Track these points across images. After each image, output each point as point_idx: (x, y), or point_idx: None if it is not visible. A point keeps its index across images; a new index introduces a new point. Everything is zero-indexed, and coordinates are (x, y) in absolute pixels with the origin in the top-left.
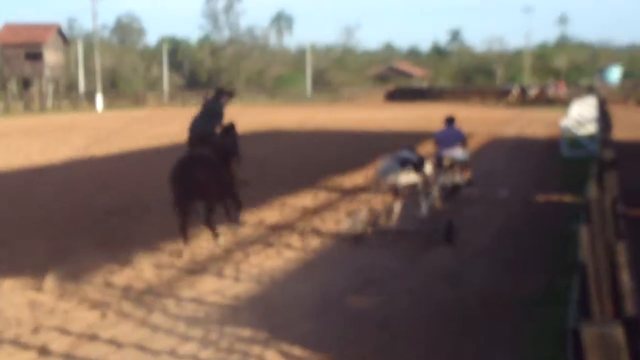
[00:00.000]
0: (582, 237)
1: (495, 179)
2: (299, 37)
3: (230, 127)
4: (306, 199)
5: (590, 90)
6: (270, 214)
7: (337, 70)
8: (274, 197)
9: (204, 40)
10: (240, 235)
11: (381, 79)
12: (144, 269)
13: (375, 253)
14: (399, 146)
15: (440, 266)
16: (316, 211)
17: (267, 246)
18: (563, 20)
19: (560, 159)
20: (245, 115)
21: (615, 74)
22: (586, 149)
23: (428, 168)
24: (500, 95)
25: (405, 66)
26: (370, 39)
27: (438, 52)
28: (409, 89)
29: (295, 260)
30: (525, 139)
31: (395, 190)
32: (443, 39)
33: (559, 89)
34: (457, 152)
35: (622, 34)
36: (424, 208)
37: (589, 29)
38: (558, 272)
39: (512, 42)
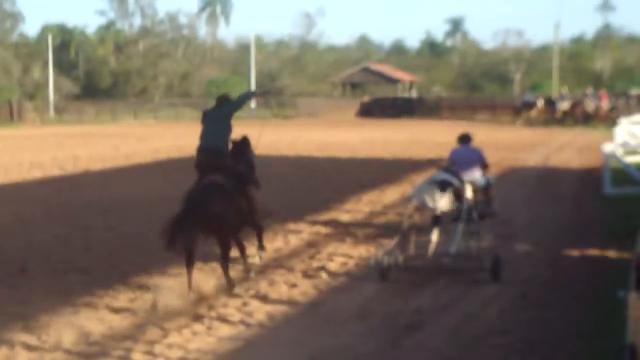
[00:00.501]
0: (632, 309)
1: (512, 226)
2: (240, 27)
3: (243, 143)
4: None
5: None
6: (204, 276)
7: (291, 73)
8: (212, 250)
9: (106, 31)
10: (162, 303)
11: (353, 86)
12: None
13: (344, 330)
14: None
15: (433, 354)
16: (264, 270)
17: (195, 319)
18: (606, 5)
19: (602, 197)
20: (160, 137)
21: None
22: (638, 185)
23: (469, 192)
24: (518, 110)
25: (387, 69)
26: (338, 31)
27: (432, 49)
28: (392, 100)
29: (231, 339)
30: (554, 171)
31: (435, 218)
32: (439, 30)
33: (601, 102)
34: (476, 175)
35: None
36: (469, 240)
37: None
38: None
39: (535, 36)
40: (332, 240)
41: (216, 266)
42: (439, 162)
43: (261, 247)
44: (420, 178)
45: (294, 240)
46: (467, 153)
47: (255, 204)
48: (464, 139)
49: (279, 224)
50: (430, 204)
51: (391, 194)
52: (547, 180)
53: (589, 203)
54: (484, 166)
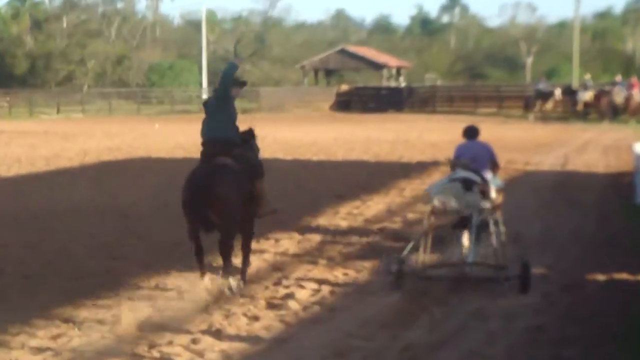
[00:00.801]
0: None
1: (522, 244)
2: (188, 1)
3: (249, 135)
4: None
5: None
6: (138, 305)
7: (252, 57)
8: (149, 275)
9: (21, 4)
10: (90, 340)
11: (327, 73)
12: None
13: None
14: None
15: None
16: (217, 299)
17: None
18: None
19: (633, 208)
20: (89, 136)
21: None
22: None
23: (494, 192)
24: (530, 102)
25: (369, 52)
26: (309, 5)
27: (425, 28)
28: (375, 90)
29: None
30: (574, 176)
31: (463, 219)
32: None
33: (632, 92)
34: (488, 176)
35: None
36: (494, 242)
37: None
38: None
39: (550, 11)
40: (302, 262)
41: (153, 293)
42: (458, 160)
43: (244, 273)
44: (411, 185)
45: (256, 262)
46: (475, 149)
47: (262, 197)
48: (471, 132)
49: (236, 243)
50: (454, 204)
51: (375, 206)
52: (565, 188)
53: (617, 215)
54: (494, 166)
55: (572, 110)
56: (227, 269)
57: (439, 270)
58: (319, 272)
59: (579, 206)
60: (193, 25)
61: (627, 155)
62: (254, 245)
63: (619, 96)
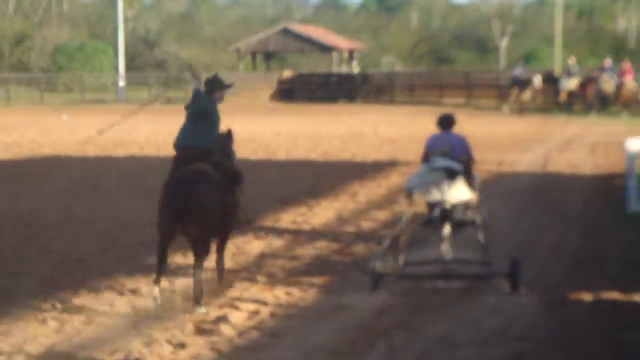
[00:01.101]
0: None
1: (495, 260)
2: None
3: (226, 137)
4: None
5: None
6: (44, 329)
7: (178, 38)
8: (54, 294)
9: None
10: None
11: (267, 56)
12: None
13: None
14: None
15: None
16: (136, 324)
17: None
18: None
19: (624, 217)
20: None
21: None
22: None
23: (478, 181)
24: (505, 90)
25: (317, 31)
26: None
27: (382, 3)
28: (324, 77)
29: None
30: (556, 179)
31: (444, 212)
32: None
33: (623, 79)
34: (459, 168)
35: None
36: (480, 237)
37: None
38: None
39: None
40: (238, 279)
41: (59, 316)
42: (436, 150)
43: (220, 270)
44: (364, 189)
45: (183, 280)
46: (450, 141)
47: (238, 205)
48: (446, 122)
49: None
50: (437, 195)
51: (323, 213)
52: (546, 192)
53: (606, 225)
54: (470, 160)
55: (554, 100)
56: (199, 290)
57: (419, 268)
58: (257, 290)
59: (563, 214)
60: (107, 0)
61: (617, 154)
62: (180, 260)
63: (608, 84)
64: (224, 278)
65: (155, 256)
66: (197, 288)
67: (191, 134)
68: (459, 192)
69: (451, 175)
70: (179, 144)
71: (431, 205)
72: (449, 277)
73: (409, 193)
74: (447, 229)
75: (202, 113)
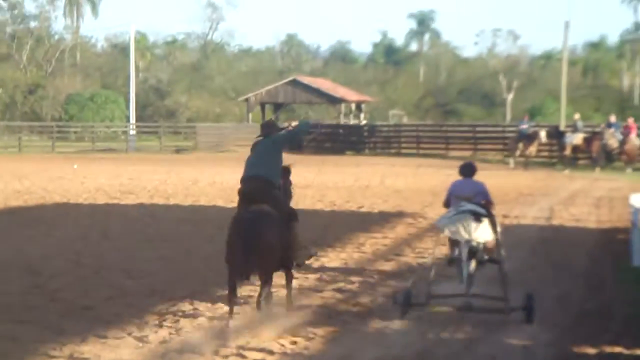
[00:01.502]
0: None
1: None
2: (114, 21)
3: (284, 172)
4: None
5: None
6: None
7: (188, 88)
8: (63, 342)
9: None
10: None
11: (276, 107)
12: None
13: None
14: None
15: None
16: None
17: None
18: None
19: (629, 271)
20: None
21: None
22: None
23: (497, 223)
24: (511, 144)
25: (325, 83)
26: (256, 29)
27: (390, 57)
28: (332, 128)
29: None
30: (561, 232)
31: (471, 250)
32: (400, 30)
33: (629, 135)
34: (484, 212)
35: None
36: (501, 274)
37: None
38: None
39: (535, 40)
40: (245, 327)
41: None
42: (461, 195)
43: (289, 300)
44: (371, 239)
45: (189, 328)
46: (471, 187)
47: (298, 240)
48: (468, 170)
49: (166, 304)
50: (465, 234)
51: (329, 263)
52: (551, 245)
53: (611, 279)
54: (489, 204)
55: (560, 155)
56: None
57: (444, 300)
58: (263, 340)
59: (567, 268)
60: (120, 50)
61: (621, 209)
62: (187, 307)
63: (613, 140)
64: (292, 305)
65: (227, 290)
66: (263, 308)
67: (260, 165)
68: (484, 233)
69: (477, 217)
70: (247, 173)
71: (455, 244)
72: (470, 309)
73: (440, 230)
74: (472, 265)
75: (271, 149)
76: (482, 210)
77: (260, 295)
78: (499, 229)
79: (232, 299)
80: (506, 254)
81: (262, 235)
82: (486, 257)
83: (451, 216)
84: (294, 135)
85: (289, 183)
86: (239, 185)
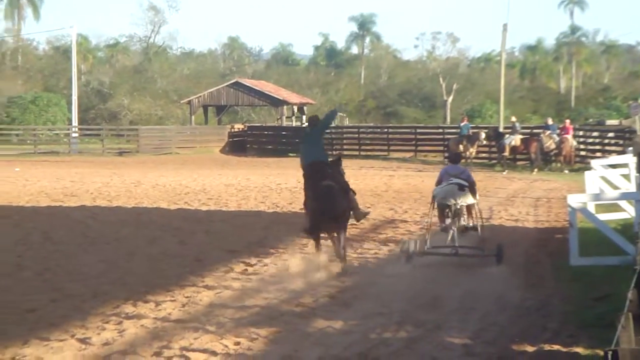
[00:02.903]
0: None
1: (439, 310)
2: (56, 24)
3: (338, 161)
4: None
5: (625, 136)
6: None
7: (130, 91)
8: (4, 344)
9: None
10: None
11: (218, 109)
12: None
13: None
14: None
15: None
16: None
17: None
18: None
19: (567, 270)
20: None
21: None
22: (618, 253)
23: (477, 194)
24: (451, 146)
25: (268, 86)
26: (198, 32)
27: (331, 59)
28: (275, 130)
29: None
30: (500, 233)
31: (456, 212)
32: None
33: (564, 135)
34: (466, 184)
35: None
36: (479, 228)
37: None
38: None
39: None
40: (187, 329)
41: None
42: (453, 174)
43: (344, 253)
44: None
45: (132, 329)
46: (457, 169)
47: (355, 204)
48: (455, 158)
49: (109, 306)
50: (452, 200)
51: (273, 264)
52: (490, 245)
53: (549, 278)
54: (472, 182)
55: (499, 156)
56: (344, 256)
57: (438, 249)
58: (207, 340)
59: (505, 267)
60: (62, 53)
61: (559, 209)
62: (129, 309)
63: (550, 141)
64: (345, 258)
65: (311, 242)
66: (341, 253)
67: (314, 152)
68: (466, 198)
69: (461, 187)
70: (309, 160)
71: (443, 216)
72: (456, 255)
73: (433, 198)
74: (457, 224)
75: (317, 138)
76: (465, 183)
77: (341, 247)
78: (477, 197)
79: (318, 245)
80: (482, 218)
81: (338, 200)
82: (469, 224)
83: (442, 187)
84: (328, 122)
85: (341, 167)
86: (302, 170)
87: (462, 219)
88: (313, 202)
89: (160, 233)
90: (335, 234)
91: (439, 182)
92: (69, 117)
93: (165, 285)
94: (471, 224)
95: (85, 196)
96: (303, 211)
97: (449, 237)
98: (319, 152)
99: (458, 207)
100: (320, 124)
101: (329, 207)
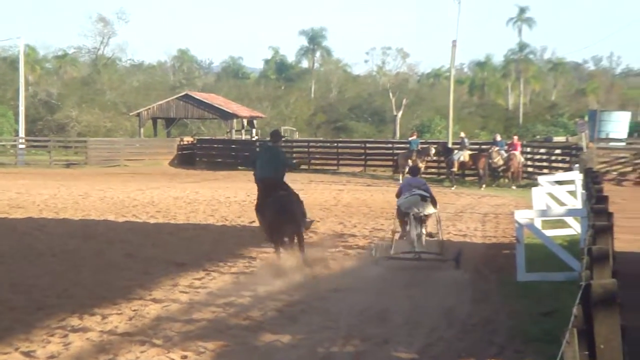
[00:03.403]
0: None
1: (386, 325)
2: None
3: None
4: None
5: (571, 153)
6: None
7: (78, 102)
8: None
9: None
10: None
11: (168, 122)
12: None
13: None
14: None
15: None
16: None
17: None
18: (522, 18)
19: (514, 286)
20: None
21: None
22: (564, 269)
23: (437, 204)
24: (401, 161)
25: (217, 99)
26: (147, 43)
27: (281, 73)
28: (224, 143)
29: None
30: (448, 248)
31: (420, 219)
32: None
33: (512, 152)
34: (427, 195)
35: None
36: (440, 235)
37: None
38: None
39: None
40: (134, 343)
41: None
42: (410, 186)
43: (302, 249)
44: (262, 254)
45: (78, 343)
46: (418, 181)
47: (304, 212)
48: (415, 171)
49: (55, 319)
50: (415, 209)
51: (220, 277)
52: (449, 251)
53: (495, 293)
54: (433, 199)
55: (447, 171)
56: (306, 258)
57: (401, 255)
58: (153, 354)
59: (452, 282)
60: (9, 64)
61: (506, 224)
62: (75, 322)
63: (498, 157)
64: (306, 262)
65: (272, 247)
66: (303, 256)
67: (270, 168)
68: (427, 208)
69: (423, 198)
70: (261, 174)
71: (405, 223)
72: (419, 259)
73: (398, 207)
74: (419, 230)
75: (277, 155)
76: (426, 194)
77: (302, 251)
78: (437, 207)
79: (278, 249)
80: (441, 227)
81: (295, 206)
82: (428, 231)
83: (406, 198)
84: (289, 166)
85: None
86: (256, 182)
87: (423, 227)
88: (272, 209)
89: (107, 245)
90: (296, 239)
91: (399, 193)
92: (15, 129)
93: (112, 298)
94: (431, 232)
95: (31, 208)
96: (254, 224)
97: (412, 244)
98: (274, 170)
99: (421, 215)
100: (284, 159)
101: (288, 212)
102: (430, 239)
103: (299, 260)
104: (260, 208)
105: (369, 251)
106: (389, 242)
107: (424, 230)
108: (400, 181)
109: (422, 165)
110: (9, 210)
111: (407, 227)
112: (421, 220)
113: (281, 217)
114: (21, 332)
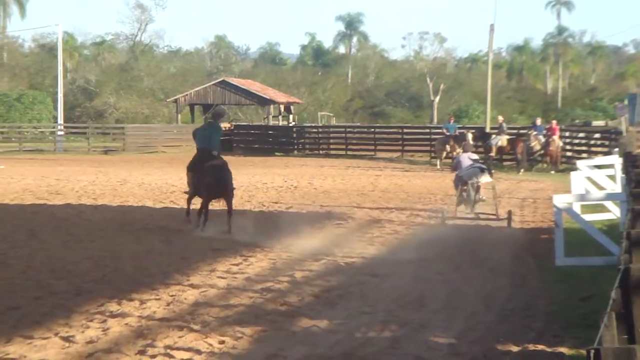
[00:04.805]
0: None
1: (424, 310)
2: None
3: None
4: None
5: (611, 137)
6: None
7: (116, 89)
8: None
9: None
10: None
11: (205, 108)
12: None
13: None
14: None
15: None
16: None
17: None
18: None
19: (552, 270)
20: None
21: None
22: (603, 254)
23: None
24: (438, 146)
25: (254, 85)
26: (184, 30)
27: (318, 59)
28: (261, 129)
29: None
30: (485, 232)
31: (478, 187)
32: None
33: (552, 137)
34: (485, 167)
35: None
36: (495, 201)
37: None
38: None
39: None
40: (172, 328)
41: None
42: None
43: (230, 211)
44: (298, 240)
45: (116, 328)
46: (472, 156)
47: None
48: (467, 147)
49: (93, 304)
50: (475, 179)
51: (257, 263)
52: (475, 245)
53: (534, 278)
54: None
55: (485, 156)
56: (230, 225)
57: (464, 216)
58: (191, 339)
59: (490, 267)
60: (47, 51)
61: (545, 209)
62: (114, 307)
63: (536, 142)
64: (231, 229)
65: (198, 210)
66: (230, 224)
67: (207, 140)
68: (485, 177)
69: (482, 170)
70: (200, 143)
71: (463, 189)
72: (478, 219)
73: (458, 177)
74: (477, 196)
75: (214, 130)
76: (484, 167)
77: (229, 219)
78: (493, 176)
79: (203, 214)
80: (496, 193)
81: (228, 175)
82: (483, 197)
83: (467, 169)
84: (217, 144)
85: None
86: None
87: (478, 193)
88: (210, 174)
89: (145, 231)
90: (226, 202)
91: (455, 167)
92: (54, 115)
93: (150, 283)
94: (484, 198)
95: (70, 194)
96: (291, 209)
97: (471, 206)
98: (208, 142)
99: (478, 184)
100: (218, 138)
101: (224, 179)
102: (482, 202)
103: (225, 226)
104: (194, 168)
105: (438, 214)
106: (452, 207)
107: (478, 196)
108: (438, 166)
109: (459, 150)
110: (48, 196)
111: (465, 194)
112: (478, 188)
113: (219, 182)
114: (60, 317)
